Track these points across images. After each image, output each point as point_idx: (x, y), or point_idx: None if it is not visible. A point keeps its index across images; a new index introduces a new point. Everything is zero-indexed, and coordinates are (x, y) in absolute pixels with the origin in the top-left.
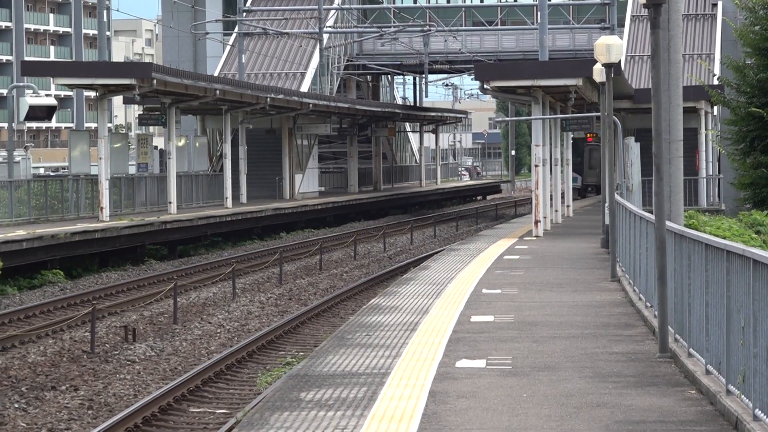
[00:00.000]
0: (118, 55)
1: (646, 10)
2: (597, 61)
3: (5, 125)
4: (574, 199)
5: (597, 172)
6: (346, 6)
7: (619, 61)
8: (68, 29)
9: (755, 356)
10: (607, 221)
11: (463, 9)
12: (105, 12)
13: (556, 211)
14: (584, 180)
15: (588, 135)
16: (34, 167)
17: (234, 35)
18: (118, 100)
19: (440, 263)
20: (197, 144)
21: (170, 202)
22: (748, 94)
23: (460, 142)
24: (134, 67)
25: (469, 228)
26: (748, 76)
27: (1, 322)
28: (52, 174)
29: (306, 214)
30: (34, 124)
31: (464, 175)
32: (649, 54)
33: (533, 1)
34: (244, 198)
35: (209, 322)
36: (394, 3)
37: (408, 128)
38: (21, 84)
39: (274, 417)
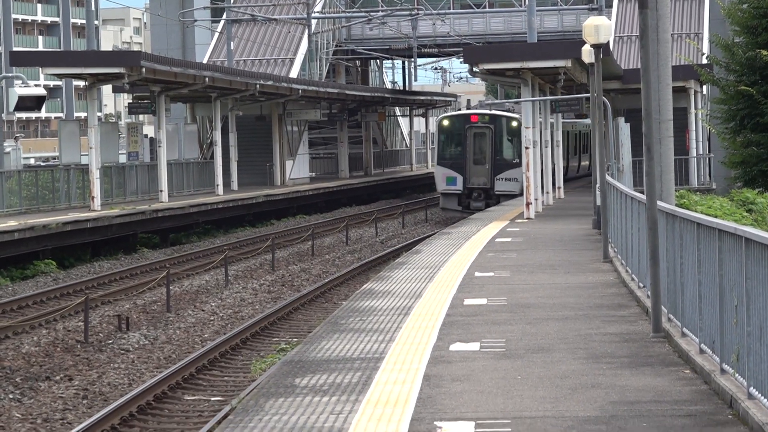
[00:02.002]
0: (107, 44)
1: None
2: (585, 42)
3: None
4: (448, 210)
5: (487, 169)
6: None
7: (608, 42)
8: (56, 19)
9: (749, 335)
10: (598, 202)
11: None
12: (93, 1)
13: (548, 192)
14: (467, 181)
15: (472, 115)
16: (24, 158)
17: (222, 22)
18: (107, 89)
19: (432, 247)
20: (187, 131)
21: (161, 191)
22: (737, 73)
23: None
24: (123, 56)
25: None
26: (736, 54)
27: None
28: (42, 164)
29: (297, 200)
30: (23, 115)
31: None
32: (638, 34)
33: None
34: (235, 185)
35: (202, 310)
36: None
37: (398, 113)
38: (10, 75)
39: (269, 403)
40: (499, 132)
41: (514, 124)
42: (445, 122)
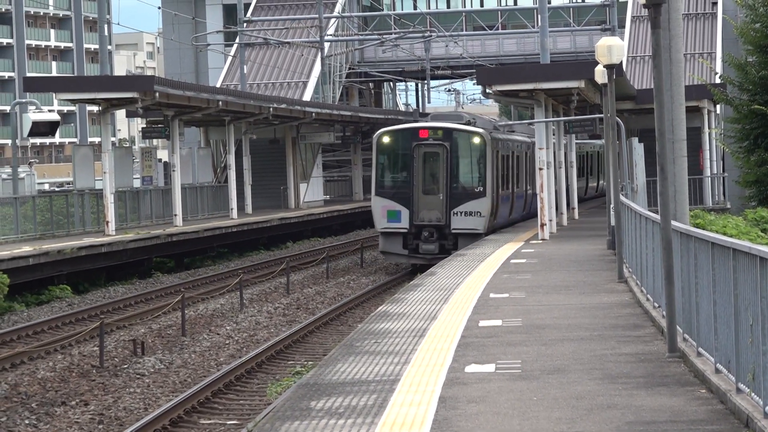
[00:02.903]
0: (120, 68)
1: (647, 10)
2: (598, 63)
3: (9, 142)
4: (390, 254)
5: (441, 200)
6: (347, 14)
7: (621, 62)
8: (69, 44)
9: (764, 354)
10: (612, 223)
11: (464, 14)
12: (106, 26)
13: (562, 213)
14: (415, 217)
15: (420, 129)
16: (38, 183)
17: (235, 46)
18: (121, 113)
19: (447, 269)
20: (201, 155)
21: (175, 215)
22: (751, 92)
23: None
24: (136, 81)
25: None
26: (749, 73)
27: (9, 339)
28: (56, 189)
29: (312, 223)
30: (37, 140)
31: None
32: (651, 54)
33: (533, 4)
34: (249, 208)
35: (218, 334)
36: (394, 10)
37: None
38: (24, 100)
39: (284, 427)
40: (456, 151)
41: (477, 140)
42: (385, 139)
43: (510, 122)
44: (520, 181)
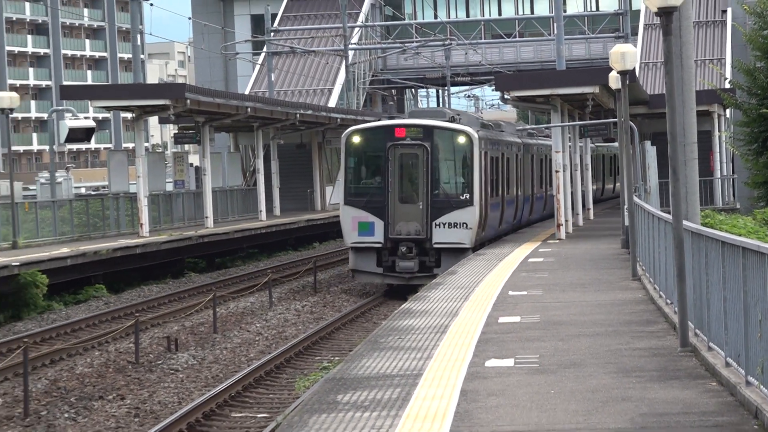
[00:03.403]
0: (153, 77)
1: (659, 18)
2: (612, 69)
3: (47, 148)
4: (361, 273)
5: (420, 210)
6: (370, 24)
7: (634, 68)
8: (104, 54)
9: None
10: (626, 223)
11: (483, 23)
12: (139, 36)
13: (577, 214)
14: (391, 228)
15: (396, 127)
16: (75, 187)
17: (263, 55)
18: (153, 120)
19: (467, 268)
20: (230, 159)
21: (206, 217)
22: (759, 96)
23: None
24: (168, 89)
25: None
26: (758, 78)
27: (48, 336)
28: (92, 193)
29: (337, 224)
30: (74, 146)
31: None
32: (663, 61)
33: (550, 12)
34: (277, 210)
35: (248, 331)
36: (415, 19)
37: None
38: (60, 108)
39: (312, 419)
40: (438, 152)
41: (462, 140)
42: (356, 138)
43: (528, 127)
44: (511, 187)
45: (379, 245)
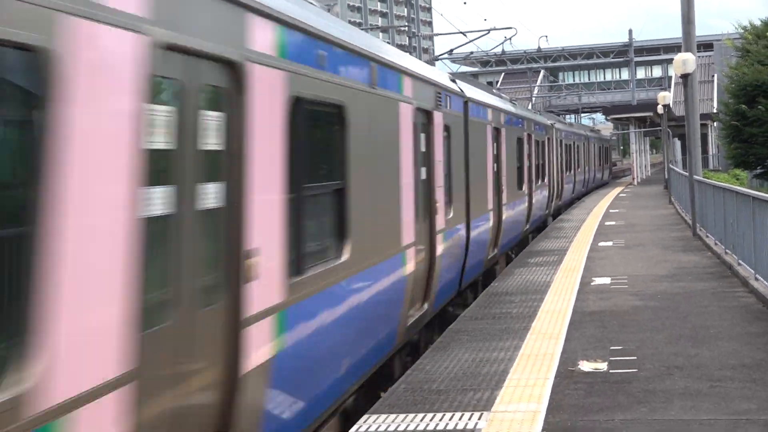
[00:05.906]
0: None
1: (681, 78)
2: (659, 104)
3: None
4: None
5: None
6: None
7: (669, 103)
8: None
9: (737, 236)
10: (666, 177)
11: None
12: None
13: (642, 174)
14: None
15: None
16: None
17: None
18: None
19: (585, 201)
20: None
21: None
22: (730, 116)
23: None
24: None
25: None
26: (729, 107)
27: None
28: None
29: None
30: None
31: None
32: (683, 99)
33: (629, 77)
34: None
35: None
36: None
37: None
38: None
39: (516, 270)
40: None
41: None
42: None
43: (619, 131)
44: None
45: None
